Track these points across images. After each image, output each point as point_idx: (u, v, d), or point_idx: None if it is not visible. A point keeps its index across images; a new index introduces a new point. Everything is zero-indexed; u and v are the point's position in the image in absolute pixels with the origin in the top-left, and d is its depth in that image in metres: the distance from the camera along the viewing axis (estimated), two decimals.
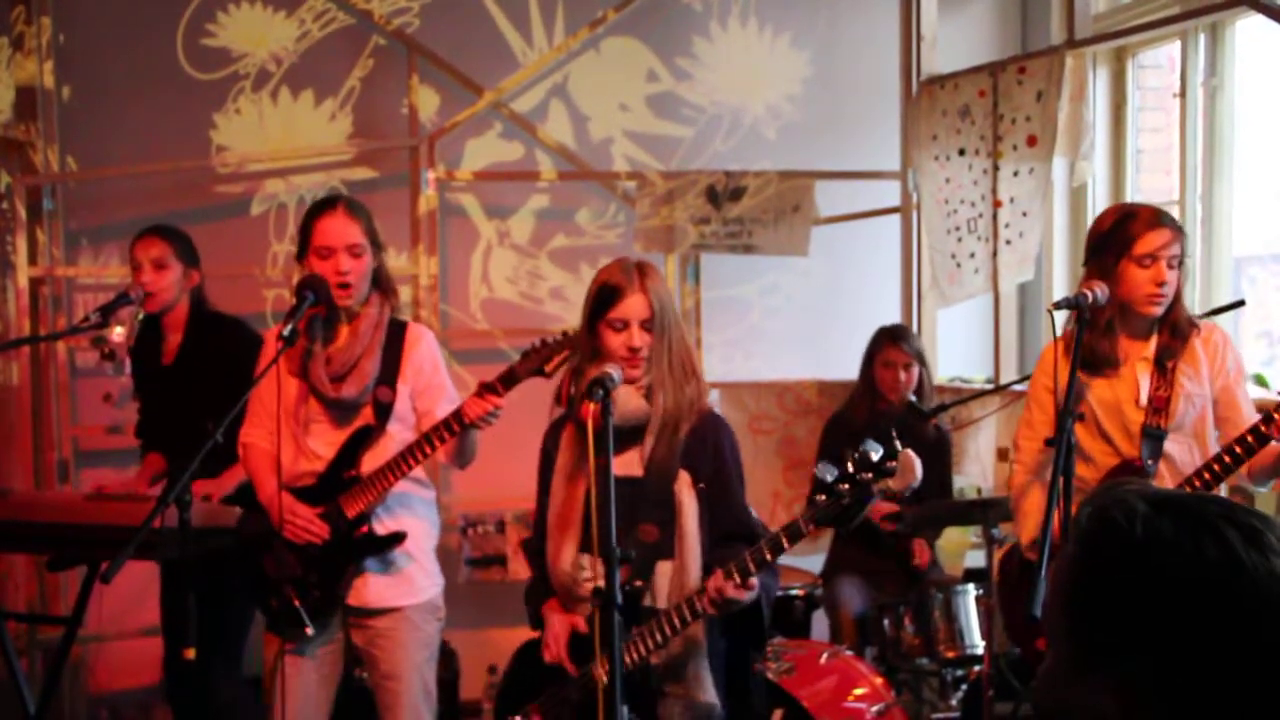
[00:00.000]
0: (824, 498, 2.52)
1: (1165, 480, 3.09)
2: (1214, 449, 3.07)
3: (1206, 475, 2.95)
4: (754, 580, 2.61)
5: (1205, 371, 3.09)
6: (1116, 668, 1.15)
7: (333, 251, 3.13)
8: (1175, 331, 3.09)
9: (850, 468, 2.50)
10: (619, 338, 2.76)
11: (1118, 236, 3.07)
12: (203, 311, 3.89)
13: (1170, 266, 3.04)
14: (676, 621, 2.68)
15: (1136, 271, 3.04)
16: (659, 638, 2.70)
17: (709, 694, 2.77)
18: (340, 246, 3.14)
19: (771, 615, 2.89)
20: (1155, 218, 3.08)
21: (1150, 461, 3.07)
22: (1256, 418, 2.93)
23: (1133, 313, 3.10)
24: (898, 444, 2.47)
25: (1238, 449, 2.90)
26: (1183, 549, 1.14)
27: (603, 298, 2.78)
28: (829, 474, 2.50)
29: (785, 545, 2.58)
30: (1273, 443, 2.88)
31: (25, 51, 4.94)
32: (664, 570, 2.77)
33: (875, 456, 2.48)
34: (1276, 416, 2.82)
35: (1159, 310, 3.08)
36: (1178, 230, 3.08)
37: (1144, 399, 3.08)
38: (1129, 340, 3.14)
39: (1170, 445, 3.09)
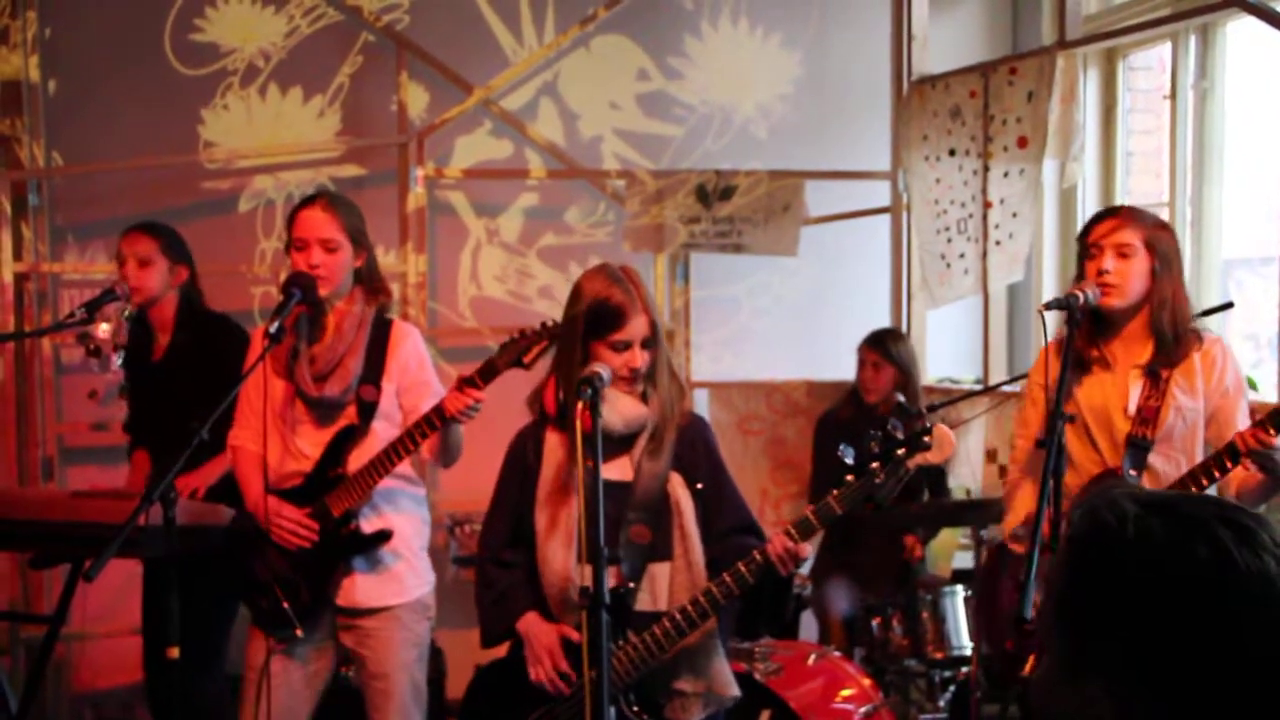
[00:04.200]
0: (854, 478, 2.56)
1: None
2: None
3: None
4: (806, 546, 2.64)
5: (1201, 386, 2.98)
6: (1109, 669, 1.14)
7: (306, 244, 3.15)
8: (1161, 337, 2.98)
9: (876, 447, 2.53)
10: (620, 358, 2.69)
11: (1081, 238, 3.06)
12: (192, 309, 3.86)
13: (1123, 255, 2.93)
14: (694, 615, 2.66)
15: (1087, 265, 2.99)
16: (674, 635, 2.67)
17: (731, 688, 2.79)
18: (313, 239, 3.15)
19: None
20: (1110, 209, 3.05)
21: (1132, 472, 2.97)
22: None
23: (1100, 311, 3.01)
24: (928, 420, 2.53)
25: (1215, 471, 2.80)
26: (1174, 549, 1.13)
27: (603, 317, 2.68)
28: (850, 456, 2.53)
29: (816, 525, 2.61)
30: (1244, 469, 2.78)
31: (11, 45, 4.91)
32: (660, 572, 2.76)
33: (901, 434, 2.53)
34: (1248, 439, 2.72)
35: (1112, 301, 2.95)
36: (1131, 220, 2.97)
37: (1132, 408, 2.99)
38: (1120, 343, 3.04)
39: (1155, 458, 2.98)
